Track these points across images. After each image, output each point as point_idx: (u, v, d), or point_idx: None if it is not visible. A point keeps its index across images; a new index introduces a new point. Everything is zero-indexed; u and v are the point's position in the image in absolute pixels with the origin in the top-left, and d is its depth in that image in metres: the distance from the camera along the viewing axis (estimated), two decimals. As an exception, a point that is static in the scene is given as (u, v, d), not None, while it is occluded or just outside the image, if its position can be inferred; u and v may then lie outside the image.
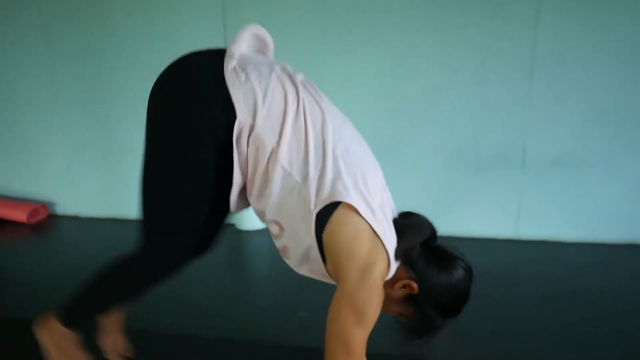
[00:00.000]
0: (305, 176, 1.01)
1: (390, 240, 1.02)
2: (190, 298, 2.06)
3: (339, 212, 0.99)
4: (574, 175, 2.60)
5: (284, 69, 1.10)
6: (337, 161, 1.03)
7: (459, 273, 1.08)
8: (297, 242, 1.05)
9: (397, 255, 1.03)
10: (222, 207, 1.14)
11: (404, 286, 1.07)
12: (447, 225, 2.66)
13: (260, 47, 1.20)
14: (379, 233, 1.00)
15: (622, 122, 2.50)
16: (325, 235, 1.01)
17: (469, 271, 1.11)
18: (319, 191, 0.99)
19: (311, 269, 1.09)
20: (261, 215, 1.13)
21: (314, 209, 0.99)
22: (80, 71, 3.06)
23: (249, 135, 1.01)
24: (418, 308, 1.09)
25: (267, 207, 1.06)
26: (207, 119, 1.02)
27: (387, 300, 1.08)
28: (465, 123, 2.65)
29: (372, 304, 0.98)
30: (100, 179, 3.25)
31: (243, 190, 1.11)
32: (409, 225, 1.08)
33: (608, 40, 2.41)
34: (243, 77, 1.00)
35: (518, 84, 2.54)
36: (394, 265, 1.04)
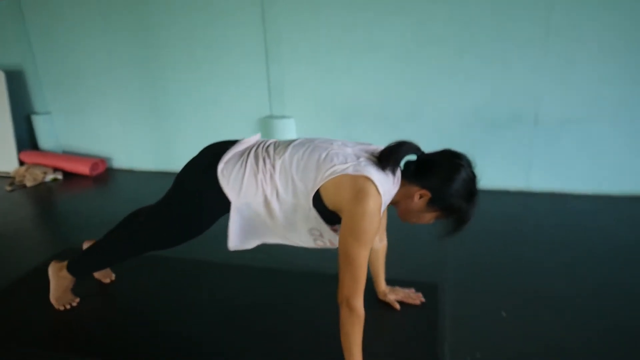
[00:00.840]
0: (293, 196, 1.32)
1: (371, 171, 1.22)
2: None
3: (321, 191, 1.28)
4: (582, 132, 2.80)
5: (255, 152, 1.40)
6: (299, 171, 1.31)
7: (453, 162, 1.28)
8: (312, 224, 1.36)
9: (385, 166, 1.25)
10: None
11: (420, 196, 1.30)
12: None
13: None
14: (354, 172, 1.23)
15: (629, 84, 2.66)
16: (324, 198, 1.28)
17: (459, 155, 1.30)
18: (302, 193, 1.30)
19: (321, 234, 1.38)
20: (294, 241, 1.44)
21: (310, 202, 1.29)
22: (133, 42, 3.39)
23: (244, 205, 1.36)
24: (442, 205, 1.29)
25: (298, 232, 1.38)
26: (207, 208, 1.43)
27: (418, 213, 1.33)
28: (482, 85, 2.86)
29: (366, 226, 1.22)
30: (150, 138, 3.63)
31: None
32: (400, 149, 1.29)
33: (621, 8, 2.54)
34: (227, 176, 1.37)
35: (533, 48, 2.71)
36: (388, 187, 1.26)
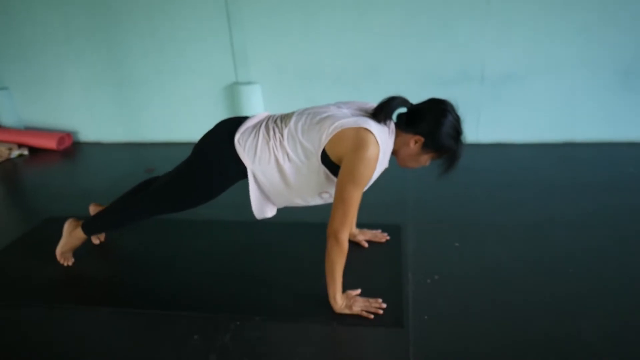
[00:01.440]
0: (304, 155, 1.50)
1: (370, 124, 1.41)
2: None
3: (327, 149, 1.46)
4: (522, 87, 3.12)
5: (266, 124, 1.59)
6: (303, 133, 1.50)
7: (439, 108, 1.47)
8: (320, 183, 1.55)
9: (380, 119, 1.45)
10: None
11: (415, 142, 1.49)
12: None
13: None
14: (355, 125, 1.42)
15: (562, 42, 2.97)
16: (329, 154, 1.47)
17: (443, 102, 1.48)
18: (310, 152, 1.49)
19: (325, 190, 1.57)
20: (306, 200, 1.62)
21: (319, 159, 1.48)
22: (90, 9, 3.35)
23: (259, 170, 1.55)
24: (435, 147, 1.48)
25: (309, 193, 1.58)
26: (224, 172, 1.62)
27: (415, 157, 1.52)
28: (432, 46, 3.09)
29: (363, 170, 1.42)
30: (116, 109, 3.65)
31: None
32: (391, 104, 1.49)
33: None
34: (243, 144, 1.57)
35: (476, 11, 2.95)
36: (385, 137, 1.45)
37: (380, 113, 1.48)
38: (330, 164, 1.49)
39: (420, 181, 2.69)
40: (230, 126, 1.64)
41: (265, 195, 1.63)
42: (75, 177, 3.17)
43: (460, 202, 2.45)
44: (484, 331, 1.50)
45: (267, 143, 1.53)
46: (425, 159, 1.56)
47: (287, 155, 1.52)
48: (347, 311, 1.58)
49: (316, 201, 1.65)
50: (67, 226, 1.95)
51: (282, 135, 1.53)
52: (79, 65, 3.54)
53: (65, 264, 1.95)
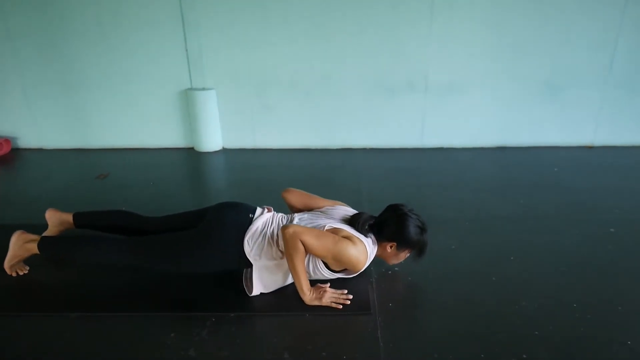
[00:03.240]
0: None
1: (362, 239, 1.71)
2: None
3: None
4: (461, 96, 3.42)
5: (271, 232, 1.78)
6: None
7: (398, 214, 1.76)
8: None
9: (365, 232, 1.75)
10: None
11: (390, 247, 1.77)
12: (366, 139, 3.44)
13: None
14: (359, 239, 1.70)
15: (494, 57, 3.31)
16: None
17: (399, 208, 1.78)
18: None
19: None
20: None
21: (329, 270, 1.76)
22: (33, 14, 3.23)
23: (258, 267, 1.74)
24: (407, 245, 1.77)
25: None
26: (231, 260, 1.78)
27: (395, 258, 1.82)
28: (380, 57, 3.31)
29: (352, 257, 1.66)
30: (60, 113, 3.51)
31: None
32: (360, 219, 1.78)
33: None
34: (251, 245, 1.75)
35: (420, 26, 3.21)
36: (371, 249, 1.74)
37: (357, 229, 1.75)
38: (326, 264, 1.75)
39: (374, 184, 2.87)
40: (238, 221, 1.79)
41: (267, 281, 1.77)
42: (20, 184, 3.02)
43: (412, 200, 2.60)
44: (442, 312, 1.67)
45: (271, 247, 1.74)
46: (403, 256, 1.84)
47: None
48: (317, 302, 1.68)
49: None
50: (15, 239, 1.85)
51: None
52: (19, 68, 3.37)
53: (22, 273, 1.88)
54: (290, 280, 1.79)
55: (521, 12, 3.18)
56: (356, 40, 3.26)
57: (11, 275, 1.87)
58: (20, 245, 1.84)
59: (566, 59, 3.31)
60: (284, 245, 1.65)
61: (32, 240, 1.84)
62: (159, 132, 3.52)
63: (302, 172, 3.12)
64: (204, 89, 3.39)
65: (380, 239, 1.79)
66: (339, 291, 1.73)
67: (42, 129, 3.56)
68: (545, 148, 3.54)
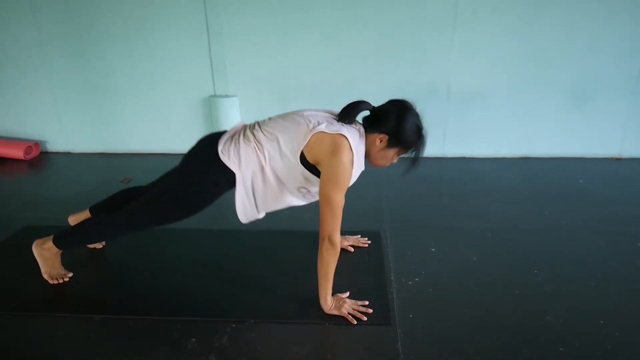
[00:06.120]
0: (281, 158, 1.60)
1: (344, 130, 1.53)
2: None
3: (304, 152, 1.58)
4: (484, 105, 3.38)
5: (244, 131, 1.70)
6: (282, 134, 1.60)
7: (399, 107, 1.58)
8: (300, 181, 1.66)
9: (348, 121, 1.57)
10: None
11: (380, 140, 1.61)
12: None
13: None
14: (331, 131, 1.55)
15: (521, 65, 3.26)
16: (306, 155, 1.58)
17: (403, 102, 1.60)
18: (289, 154, 1.59)
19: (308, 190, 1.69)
20: (287, 201, 1.72)
21: (298, 159, 1.59)
22: (63, 17, 3.33)
23: (247, 176, 1.65)
24: (399, 142, 1.60)
25: (290, 191, 1.69)
26: (214, 183, 1.69)
27: (382, 156, 1.64)
28: (403, 65, 3.30)
29: (342, 174, 1.54)
30: (87, 118, 3.61)
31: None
32: (347, 107, 1.61)
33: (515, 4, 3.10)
34: (227, 153, 1.65)
35: (444, 33, 3.19)
36: (357, 139, 1.56)
37: (348, 116, 1.60)
38: (307, 164, 1.61)
39: (394, 192, 2.85)
40: (211, 140, 1.72)
41: (249, 199, 1.70)
42: (47, 187, 3.11)
43: (433, 210, 2.62)
44: (463, 325, 1.64)
45: (249, 147, 1.63)
46: (392, 155, 1.68)
47: (269, 156, 1.63)
48: (335, 312, 1.67)
49: (297, 201, 1.74)
50: (35, 247, 1.87)
51: (261, 139, 1.64)
52: (49, 73, 3.48)
53: (59, 282, 1.89)
54: (285, 203, 1.70)
55: (547, 21, 3.14)
56: (378, 47, 3.26)
57: (53, 283, 1.88)
58: (41, 251, 1.88)
59: (592, 68, 3.24)
60: (322, 253, 1.58)
61: (48, 240, 1.87)
62: (182, 138, 3.55)
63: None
64: (226, 96, 3.43)
65: (371, 130, 1.62)
66: (359, 302, 1.72)
67: (70, 133, 3.66)
68: (570, 159, 3.46)
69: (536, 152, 3.50)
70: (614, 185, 2.99)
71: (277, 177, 1.65)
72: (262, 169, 1.64)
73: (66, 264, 1.97)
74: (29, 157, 3.54)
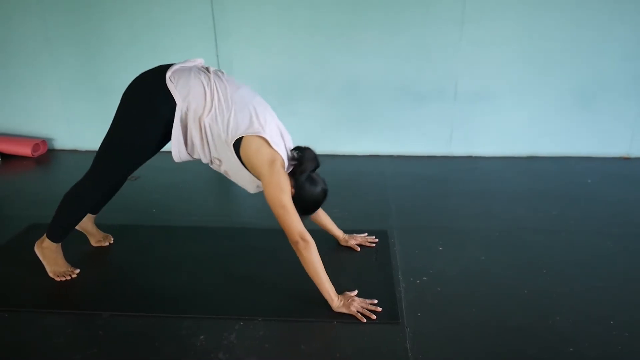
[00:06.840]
0: (223, 126, 1.63)
1: (281, 147, 1.66)
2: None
3: (244, 140, 1.63)
4: (491, 104, 3.36)
5: (200, 68, 1.69)
6: (237, 110, 1.63)
7: (318, 191, 1.74)
8: (231, 165, 1.69)
9: (296, 174, 1.69)
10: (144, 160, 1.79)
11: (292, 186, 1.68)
12: (393, 146, 3.42)
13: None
14: (272, 143, 1.63)
15: (529, 64, 3.24)
16: (241, 153, 1.64)
17: (324, 192, 1.77)
18: (232, 131, 1.62)
19: (242, 177, 1.73)
20: (205, 158, 1.74)
21: (230, 142, 1.63)
22: (72, 18, 3.34)
23: (186, 112, 1.62)
24: (298, 201, 1.69)
25: (209, 150, 1.70)
26: (154, 109, 1.65)
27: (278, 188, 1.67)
28: (409, 64, 3.29)
29: (282, 180, 1.62)
30: (94, 116, 3.61)
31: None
32: (307, 156, 1.73)
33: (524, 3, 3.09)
34: (175, 81, 1.62)
35: (450, 33, 3.18)
36: (287, 165, 1.68)
37: (306, 163, 1.73)
38: (237, 153, 1.65)
39: (401, 191, 2.85)
40: (159, 68, 1.69)
41: (183, 140, 1.67)
42: (55, 184, 3.10)
43: (439, 209, 2.61)
44: (471, 325, 1.64)
45: (203, 87, 1.62)
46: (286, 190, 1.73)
47: (215, 115, 1.63)
48: (344, 310, 1.67)
49: (205, 161, 1.77)
50: (36, 247, 1.90)
51: (225, 92, 1.64)
52: (57, 71, 3.49)
53: (66, 279, 1.89)
54: (202, 156, 1.72)
55: (555, 20, 3.12)
56: (384, 46, 3.25)
57: (60, 280, 1.89)
58: (41, 250, 1.90)
59: (601, 68, 3.22)
60: (301, 255, 1.63)
61: (44, 237, 1.89)
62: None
63: (328, 178, 3.10)
64: (233, 94, 3.43)
65: (294, 175, 1.71)
66: (368, 300, 1.71)
67: (77, 131, 3.67)
68: (578, 158, 3.44)
69: (544, 152, 3.48)
70: (622, 185, 2.97)
71: (206, 134, 1.65)
72: (200, 116, 1.63)
73: (73, 262, 1.98)
74: (36, 154, 3.55)
